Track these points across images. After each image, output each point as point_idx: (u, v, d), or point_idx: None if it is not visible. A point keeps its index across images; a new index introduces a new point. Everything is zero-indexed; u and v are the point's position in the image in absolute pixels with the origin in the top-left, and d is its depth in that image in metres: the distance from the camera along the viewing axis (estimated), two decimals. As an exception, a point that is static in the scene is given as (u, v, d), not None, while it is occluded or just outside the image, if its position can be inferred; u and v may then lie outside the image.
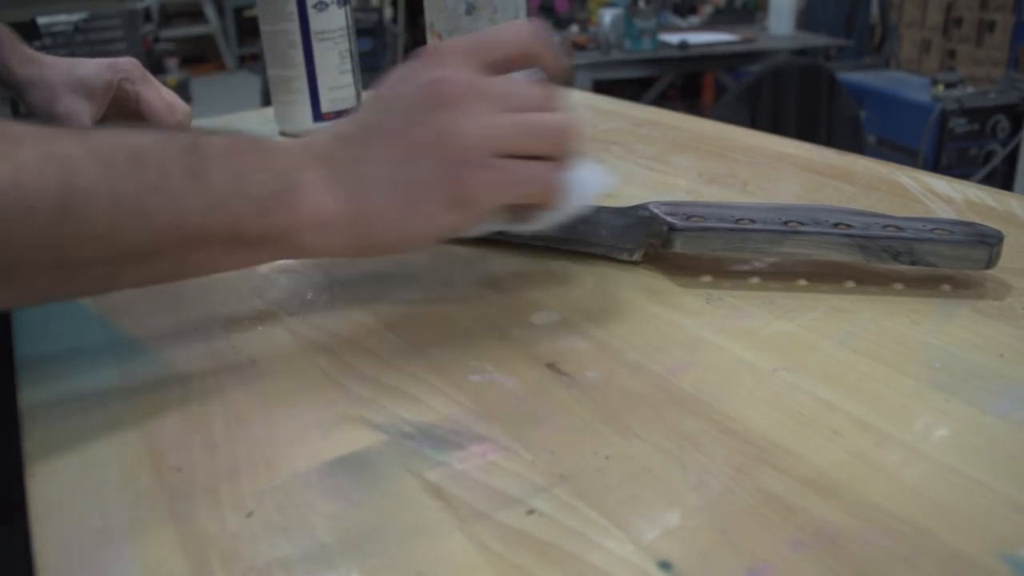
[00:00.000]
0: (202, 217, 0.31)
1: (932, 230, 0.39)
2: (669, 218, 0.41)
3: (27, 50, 0.61)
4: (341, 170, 0.34)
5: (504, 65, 0.36)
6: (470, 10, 0.57)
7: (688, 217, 0.41)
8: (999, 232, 0.39)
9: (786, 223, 0.40)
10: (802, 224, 0.40)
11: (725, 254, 0.41)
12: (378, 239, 0.35)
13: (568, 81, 0.37)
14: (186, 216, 0.31)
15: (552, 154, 0.35)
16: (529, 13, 0.59)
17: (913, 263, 0.39)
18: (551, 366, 0.35)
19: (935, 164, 2.27)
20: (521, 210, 0.37)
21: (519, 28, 0.36)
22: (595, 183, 0.38)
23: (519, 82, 0.36)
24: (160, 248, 0.31)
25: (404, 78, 0.35)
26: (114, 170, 0.30)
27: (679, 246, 0.41)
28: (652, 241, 0.42)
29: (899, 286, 0.40)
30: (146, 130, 0.33)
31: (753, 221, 0.41)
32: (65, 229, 0.29)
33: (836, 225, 0.40)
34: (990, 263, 0.38)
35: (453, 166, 0.33)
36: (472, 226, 0.36)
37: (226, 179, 0.32)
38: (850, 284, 0.40)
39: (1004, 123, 2.26)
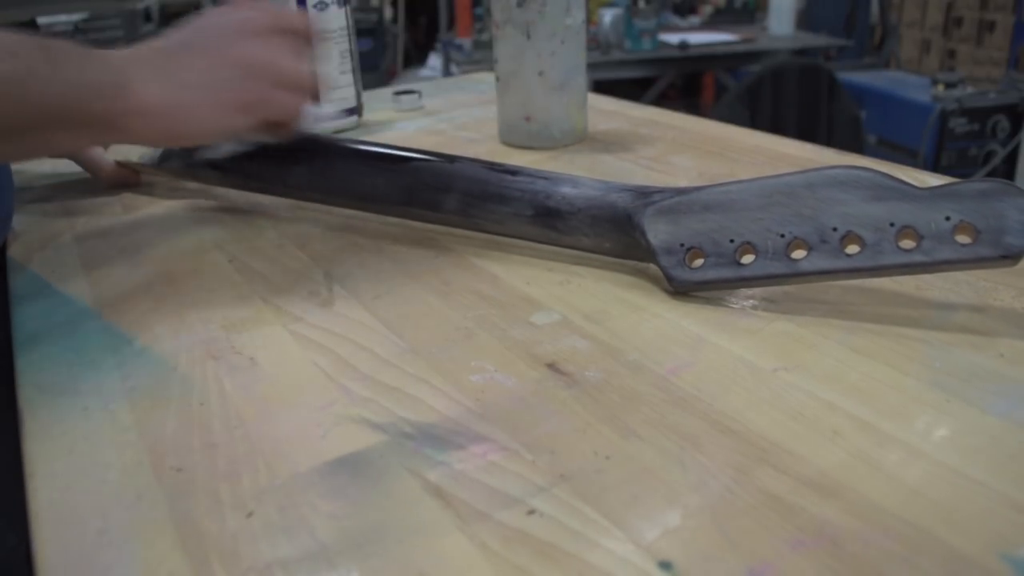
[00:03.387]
0: (60, 98, 0.39)
1: (953, 228, 0.35)
2: (667, 263, 0.40)
3: None
4: (162, 71, 0.42)
5: (291, 30, 0.48)
6: (521, 2, 0.64)
7: (686, 251, 0.39)
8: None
9: (788, 244, 0.37)
10: (807, 244, 0.37)
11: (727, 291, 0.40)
12: (185, 129, 0.43)
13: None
14: (49, 95, 0.38)
15: (306, 91, 0.47)
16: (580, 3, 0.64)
17: (927, 273, 0.36)
18: (551, 366, 0.35)
19: (935, 164, 2.27)
20: (271, 127, 0.48)
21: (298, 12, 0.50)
22: (313, 119, 0.50)
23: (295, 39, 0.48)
24: (30, 124, 0.38)
25: (219, 14, 0.46)
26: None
27: (680, 292, 0.40)
28: (655, 265, 0.42)
29: (900, 286, 0.40)
30: (10, 30, 0.39)
31: (753, 247, 0.38)
32: None
33: (844, 238, 0.36)
34: (1017, 263, 0.34)
35: (250, 79, 0.44)
36: (246, 131, 0.46)
37: (74, 69, 0.40)
38: (850, 284, 0.40)
39: (1004, 123, 2.26)
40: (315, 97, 0.49)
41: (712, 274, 0.39)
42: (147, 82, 0.42)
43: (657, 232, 0.40)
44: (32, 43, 0.39)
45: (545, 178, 0.45)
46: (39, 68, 0.38)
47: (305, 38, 0.49)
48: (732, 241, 0.38)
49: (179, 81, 0.43)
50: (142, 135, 0.43)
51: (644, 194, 0.42)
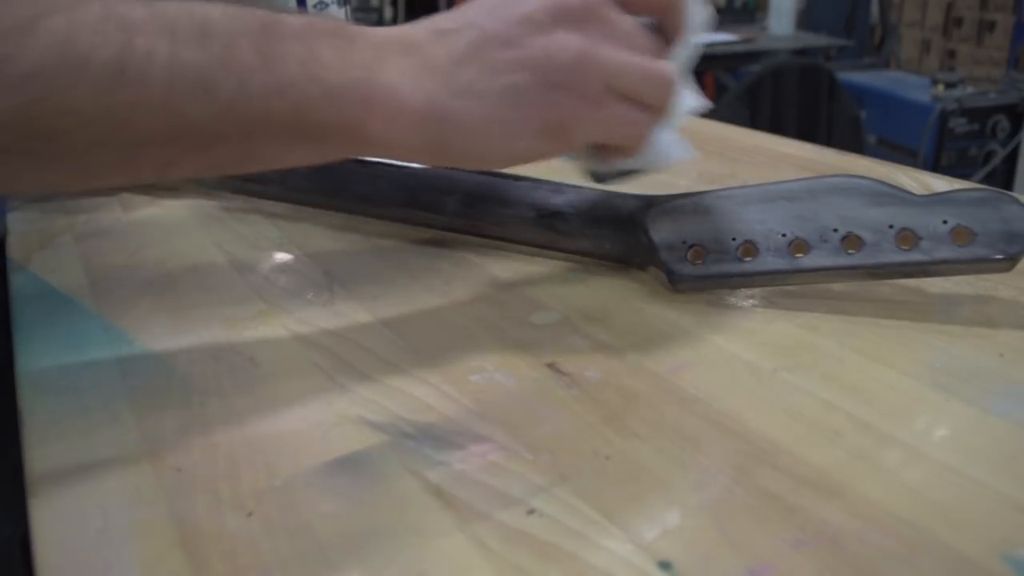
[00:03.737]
0: (268, 99, 0.29)
1: (951, 231, 0.35)
2: (669, 259, 0.40)
3: None
4: (431, 67, 0.31)
5: (635, 6, 0.34)
6: None
7: (688, 248, 0.39)
8: (1023, 229, 0.35)
9: (790, 244, 0.38)
10: (807, 244, 0.37)
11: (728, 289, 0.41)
12: (455, 149, 0.32)
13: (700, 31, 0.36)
14: (251, 96, 0.29)
15: (654, 105, 0.34)
16: None
17: (927, 276, 0.37)
18: (551, 366, 0.35)
19: (935, 164, 2.27)
20: (602, 152, 0.36)
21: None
22: (677, 150, 0.37)
23: (641, 26, 0.34)
24: (221, 129, 0.29)
25: None
26: (177, 38, 0.28)
27: (681, 290, 0.40)
28: (655, 268, 0.42)
29: (900, 287, 0.40)
30: (219, 2, 0.30)
31: (755, 246, 0.38)
32: (120, 94, 0.27)
33: (844, 239, 0.37)
34: (1013, 267, 0.35)
35: (559, 89, 0.31)
36: (553, 157, 0.34)
37: (298, 62, 0.30)
38: (850, 285, 0.40)
39: (1004, 123, 2.26)
40: (666, 109, 0.35)
41: (713, 269, 0.39)
42: (406, 81, 0.31)
43: (659, 230, 0.40)
44: (244, 20, 0.29)
45: (548, 183, 0.46)
46: (243, 58, 0.29)
47: (672, 31, 0.35)
48: (734, 240, 0.39)
49: (454, 82, 0.31)
50: (393, 151, 0.33)
51: (647, 199, 0.43)
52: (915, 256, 0.36)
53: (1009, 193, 0.36)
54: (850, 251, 0.37)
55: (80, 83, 0.26)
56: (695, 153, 0.38)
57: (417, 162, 0.36)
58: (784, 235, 0.38)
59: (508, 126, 0.32)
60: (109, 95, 0.27)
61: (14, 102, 0.26)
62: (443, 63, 0.31)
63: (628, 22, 0.33)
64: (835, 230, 0.37)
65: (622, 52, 0.32)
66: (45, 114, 0.26)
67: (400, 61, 0.31)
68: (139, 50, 0.27)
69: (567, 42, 0.31)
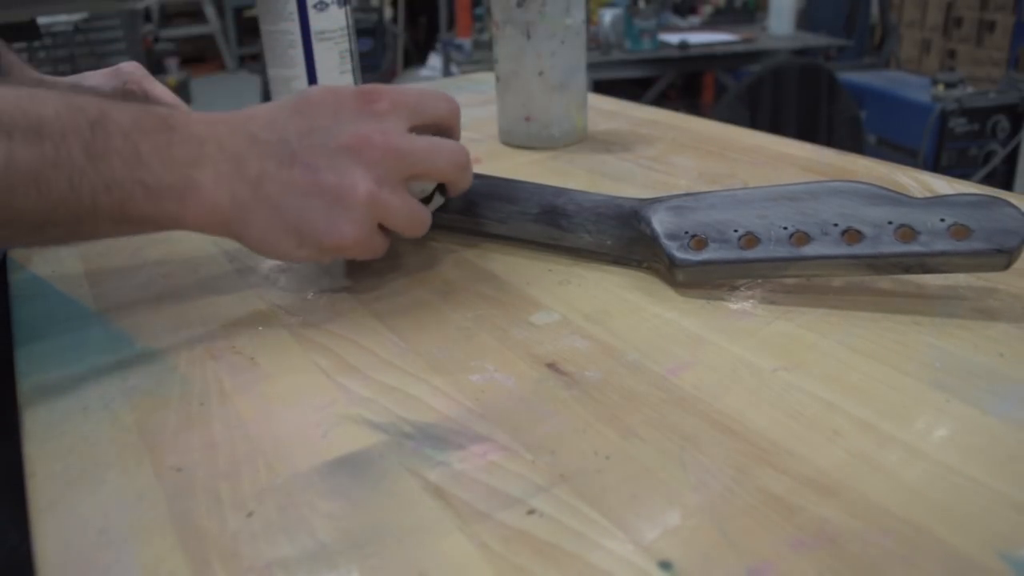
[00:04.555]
0: (94, 196, 0.32)
1: (948, 228, 0.36)
2: (670, 245, 0.40)
3: (32, 73, 0.61)
4: (242, 175, 0.36)
5: (425, 128, 0.40)
6: (521, 2, 0.63)
7: (691, 237, 0.40)
8: (1019, 227, 0.35)
9: (791, 236, 0.38)
10: (808, 236, 0.38)
11: (729, 281, 0.41)
12: (244, 241, 0.37)
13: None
14: (80, 193, 0.32)
15: (407, 235, 0.40)
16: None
17: (926, 272, 0.37)
18: (551, 366, 0.35)
19: (935, 164, 2.27)
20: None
21: (447, 101, 0.41)
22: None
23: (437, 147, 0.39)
24: (53, 218, 0.32)
25: (339, 106, 0.37)
26: (14, 138, 0.30)
27: (682, 279, 0.40)
28: (656, 264, 0.42)
29: (899, 286, 0.40)
30: (53, 95, 0.33)
31: (756, 237, 0.39)
32: None
33: (844, 233, 0.37)
34: (1009, 265, 0.36)
35: (338, 219, 0.36)
36: (312, 261, 0.42)
37: (123, 161, 0.33)
38: (850, 284, 0.40)
39: (1004, 123, 2.26)
40: (415, 234, 0.40)
41: (715, 256, 0.39)
42: (218, 185, 0.35)
43: (661, 221, 0.41)
44: (75, 119, 0.32)
45: (551, 187, 0.47)
46: (73, 159, 0.32)
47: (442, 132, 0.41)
48: (736, 231, 0.39)
49: (257, 192, 0.36)
50: (210, 233, 0.37)
51: (649, 199, 0.43)
52: (914, 248, 0.36)
53: (1004, 198, 0.36)
54: (850, 243, 0.37)
55: None
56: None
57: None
58: (785, 228, 0.39)
59: (294, 236, 0.36)
60: None
61: None
62: (252, 173, 0.36)
63: (422, 147, 0.39)
64: (835, 224, 0.38)
65: (400, 195, 0.38)
66: None
67: (216, 164, 0.35)
68: None
69: (360, 181, 0.36)
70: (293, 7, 0.68)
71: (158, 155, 0.34)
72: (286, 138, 0.36)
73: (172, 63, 4.19)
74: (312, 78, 0.70)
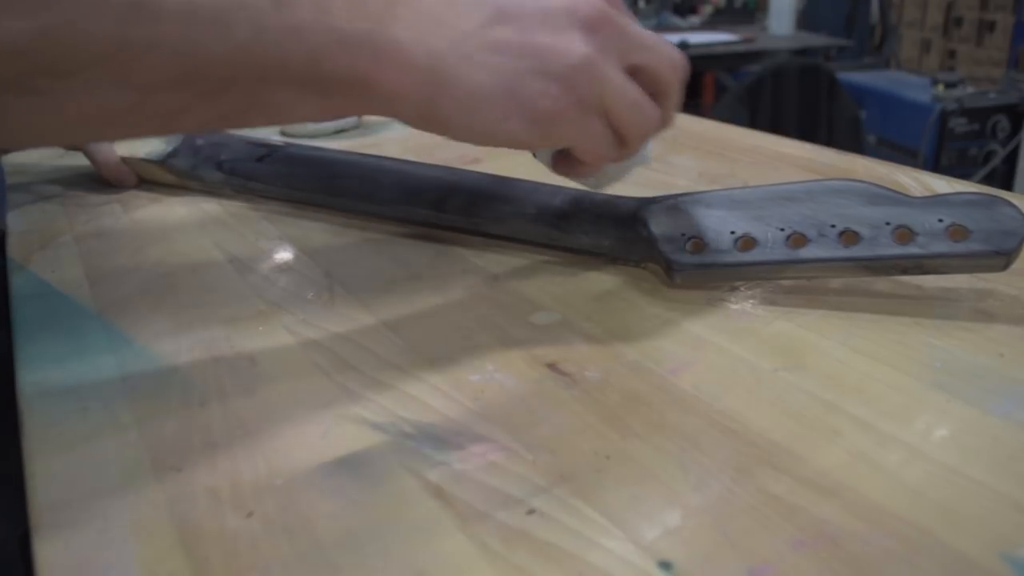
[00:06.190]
0: (282, 45, 0.29)
1: (946, 229, 0.36)
2: (667, 249, 0.40)
3: None
4: (440, 28, 0.32)
5: (642, 75, 0.35)
6: None
7: (688, 240, 0.40)
8: (1017, 228, 0.35)
9: (788, 237, 0.38)
10: (806, 238, 0.38)
11: (726, 283, 0.41)
12: (443, 112, 0.32)
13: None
14: (266, 39, 0.29)
15: (629, 137, 0.35)
16: None
17: (924, 273, 0.37)
18: (551, 366, 0.35)
19: (935, 164, 2.27)
20: (560, 159, 0.38)
21: (677, 55, 0.37)
22: (614, 182, 0.42)
23: (655, 43, 0.35)
24: (234, 73, 0.29)
25: None
26: None
27: (679, 282, 0.40)
28: (654, 266, 0.42)
29: (899, 287, 0.40)
30: None
31: (753, 239, 0.39)
32: (136, 29, 0.27)
33: (842, 234, 0.37)
34: (1007, 266, 0.36)
35: (558, 83, 0.32)
36: (530, 148, 0.35)
37: (313, 10, 0.30)
38: (850, 284, 0.40)
39: (1004, 123, 2.26)
40: (636, 148, 0.36)
41: (712, 259, 0.39)
42: (416, 35, 0.31)
43: (659, 223, 0.41)
44: None
45: (548, 186, 0.46)
46: (259, 2, 0.29)
47: (665, 68, 0.36)
48: (733, 233, 0.39)
49: (458, 52, 0.31)
50: (396, 110, 0.33)
51: (647, 198, 0.43)
52: (912, 250, 0.36)
53: (1000, 198, 0.36)
54: (847, 245, 0.37)
55: (98, 12, 0.26)
56: (650, 153, 0.41)
57: (412, 125, 0.35)
58: (782, 229, 0.39)
59: (500, 104, 0.32)
60: (125, 29, 0.27)
61: (32, 25, 0.25)
62: (453, 27, 0.32)
63: (638, 42, 0.34)
64: (832, 226, 0.38)
65: (623, 76, 0.33)
66: (60, 43, 0.26)
67: (410, 17, 0.31)
68: None
69: (577, 44, 0.32)
70: None
71: (349, 6, 0.31)
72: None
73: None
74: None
